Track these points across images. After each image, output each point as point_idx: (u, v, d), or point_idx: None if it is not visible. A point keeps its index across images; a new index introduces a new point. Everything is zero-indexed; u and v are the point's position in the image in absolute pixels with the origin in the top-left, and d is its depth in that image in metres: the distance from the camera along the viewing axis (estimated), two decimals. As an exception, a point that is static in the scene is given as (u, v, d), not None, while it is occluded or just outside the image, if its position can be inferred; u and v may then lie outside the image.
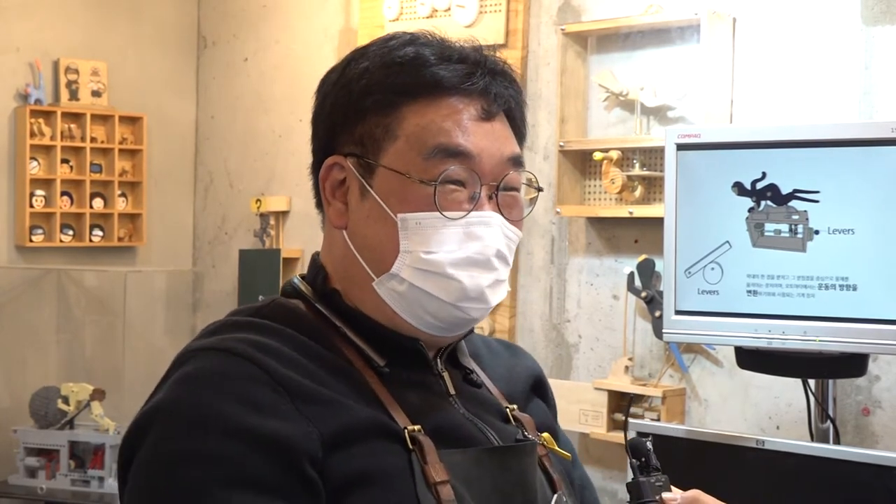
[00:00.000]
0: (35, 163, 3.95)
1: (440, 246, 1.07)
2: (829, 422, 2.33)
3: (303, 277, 1.17)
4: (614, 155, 2.91)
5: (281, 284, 1.71)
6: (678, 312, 2.24)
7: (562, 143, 3.03)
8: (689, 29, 2.85)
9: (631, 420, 2.61)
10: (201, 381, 1.00)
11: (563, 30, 3.05)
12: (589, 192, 3.08)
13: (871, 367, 2.48)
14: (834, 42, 2.66)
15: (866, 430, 2.59)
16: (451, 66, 1.10)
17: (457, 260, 1.08)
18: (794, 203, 2.12)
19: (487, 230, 1.09)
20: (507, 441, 1.14)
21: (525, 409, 1.23)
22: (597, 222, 3.11)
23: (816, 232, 2.10)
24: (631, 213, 2.91)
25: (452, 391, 1.14)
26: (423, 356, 1.13)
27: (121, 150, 4.13)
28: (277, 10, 4.07)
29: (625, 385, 2.92)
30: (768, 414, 2.75)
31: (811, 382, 2.34)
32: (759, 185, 2.16)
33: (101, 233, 4.12)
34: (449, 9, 3.35)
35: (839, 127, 2.17)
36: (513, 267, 1.34)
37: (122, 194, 4.18)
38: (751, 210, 2.16)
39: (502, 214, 1.11)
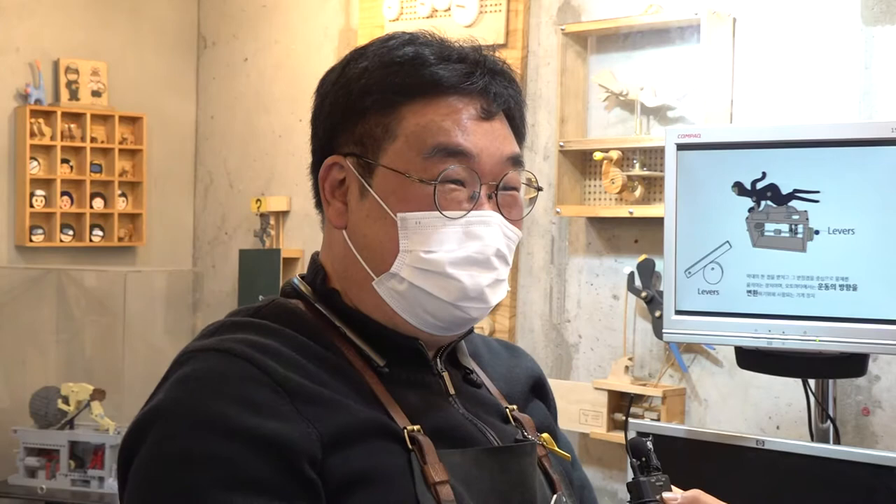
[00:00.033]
0: (35, 163, 3.95)
1: (440, 245, 1.07)
2: (829, 422, 2.32)
3: (302, 277, 1.17)
4: (614, 155, 2.91)
5: (281, 284, 1.70)
6: (678, 312, 2.24)
7: (562, 143, 3.03)
8: (688, 29, 2.85)
9: (631, 420, 2.61)
10: (201, 381, 1.00)
11: (563, 30, 3.05)
12: (589, 192, 3.08)
13: (871, 367, 2.48)
14: (834, 42, 2.65)
15: (866, 430, 2.58)
16: (450, 65, 1.10)
17: (456, 259, 1.08)
18: (794, 203, 2.12)
19: (487, 229, 1.09)
20: (507, 441, 1.14)
21: (524, 410, 1.22)
22: (597, 222, 3.10)
23: (816, 232, 2.10)
24: (631, 213, 2.91)
25: (452, 391, 1.14)
26: (423, 356, 1.13)
27: (121, 150, 4.13)
28: (277, 10, 4.07)
29: (625, 385, 2.92)
30: (768, 414, 2.75)
31: (811, 382, 2.34)
32: (759, 185, 2.16)
33: (101, 233, 4.12)
34: (449, 9, 3.35)
35: (839, 127, 2.17)
36: (513, 267, 1.33)
37: (122, 194, 4.18)
38: (751, 210, 2.16)
39: (502, 214, 1.11)
